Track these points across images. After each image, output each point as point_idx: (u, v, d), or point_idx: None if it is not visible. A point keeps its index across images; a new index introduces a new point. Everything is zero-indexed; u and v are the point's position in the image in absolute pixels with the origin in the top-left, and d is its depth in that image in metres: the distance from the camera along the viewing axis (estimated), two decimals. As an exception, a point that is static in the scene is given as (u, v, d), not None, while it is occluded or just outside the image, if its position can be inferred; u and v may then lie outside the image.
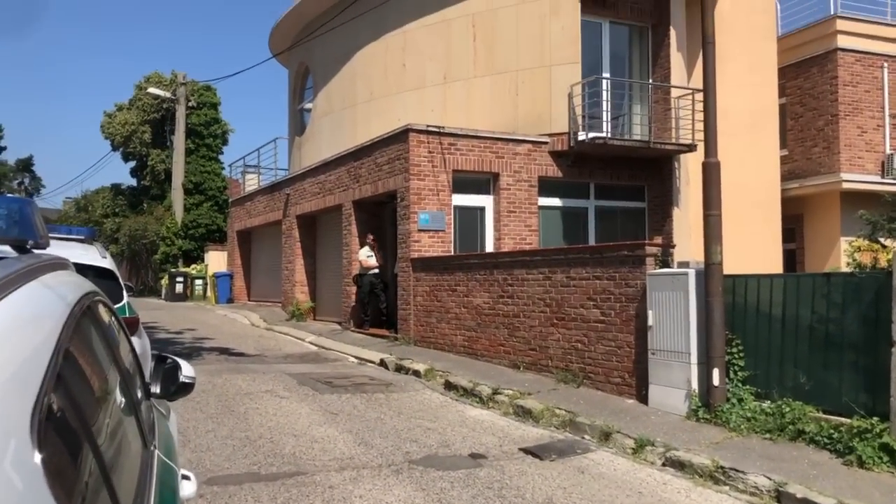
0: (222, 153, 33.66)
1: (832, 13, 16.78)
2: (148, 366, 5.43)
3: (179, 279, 26.75)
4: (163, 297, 28.19)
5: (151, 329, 14.96)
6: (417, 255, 12.70)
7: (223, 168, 32.69)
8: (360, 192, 14.85)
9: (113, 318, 3.10)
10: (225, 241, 27.54)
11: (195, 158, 31.42)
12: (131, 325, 6.18)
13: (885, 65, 16.85)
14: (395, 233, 13.55)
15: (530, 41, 14.08)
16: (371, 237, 14.68)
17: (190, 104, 30.77)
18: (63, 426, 1.38)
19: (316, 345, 13.95)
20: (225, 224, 28.57)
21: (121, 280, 6.61)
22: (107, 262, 6.46)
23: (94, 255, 6.48)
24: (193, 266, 28.19)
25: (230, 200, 25.91)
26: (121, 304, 6.24)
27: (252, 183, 23.55)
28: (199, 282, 26.68)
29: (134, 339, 6.07)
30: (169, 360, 3.18)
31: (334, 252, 16.78)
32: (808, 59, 17.14)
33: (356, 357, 12.21)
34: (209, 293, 25.81)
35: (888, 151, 16.57)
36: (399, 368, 10.74)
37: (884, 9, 17.43)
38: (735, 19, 15.70)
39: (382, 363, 11.27)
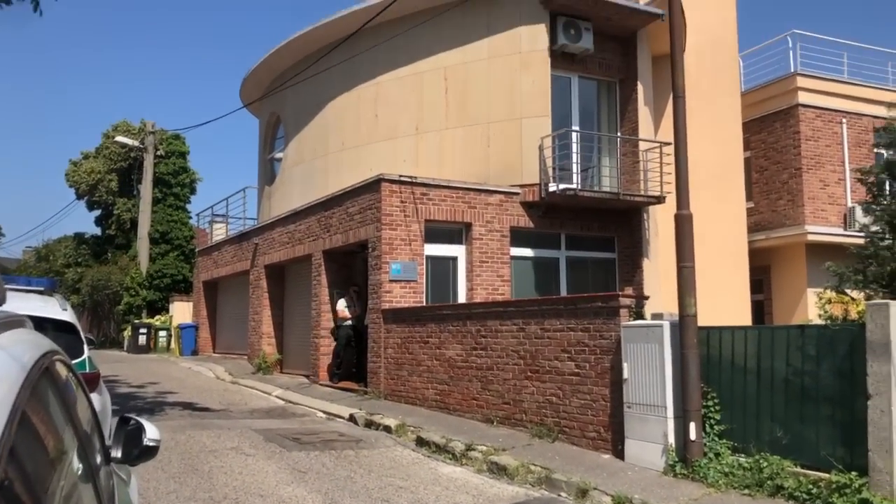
0: (190, 202, 33.36)
1: (792, 70, 17.33)
2: (108, 424, 5.17)
3: (143, 330, 26.11)
4: (125, 349, 27.46)
5: (112, 383, 14.48)
6: (389, 306, 12.53)
7: (190, 217, 32.34)
8: (330, 241, 14.71)
9: (72, 377, 2.91)
10: (191, 291, 27.05)
11: (162, 207, 31.05)
12: (91, 381, 5.93)
13: (844, 120, 17.37)
14: (366, 283, 13.41)
15: (501, 94, 14.27)
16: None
17: (158, 153, 30.55)
18: (14, 501, 1.27)
19: (283, 399, 13.59)
20: (191, 274, 28.11)
21: (81, 333, 6.37)
22: (67, 315, 6.23)
23: (54, 308, 6.25)
24: (158, 317, 27.59)
25: (197, 250, 25.55)
26: (81, 359, 6.00)
27: (220, 233, 23.28)
28: (163, 333, 26.08)
29: (94, 396, 5.81)
30: (132, 422, 2.99)
31: (303, 303, 16.52)
32: (771, 114, 17.62)
33: (324, 412, 11.90)
34: (173, 345, 25.21)
35: (849, 204, 16.95)
36: (369, 424, 10.47)
37: (840, 67, 18.06)
38: (700, 75, 16.12)
39: (352, 418, 10.98)
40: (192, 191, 33.60)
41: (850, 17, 68.91)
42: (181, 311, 26.81)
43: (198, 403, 12.56)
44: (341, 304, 14.37)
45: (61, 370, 2.68)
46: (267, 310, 18.16)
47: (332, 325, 14.79)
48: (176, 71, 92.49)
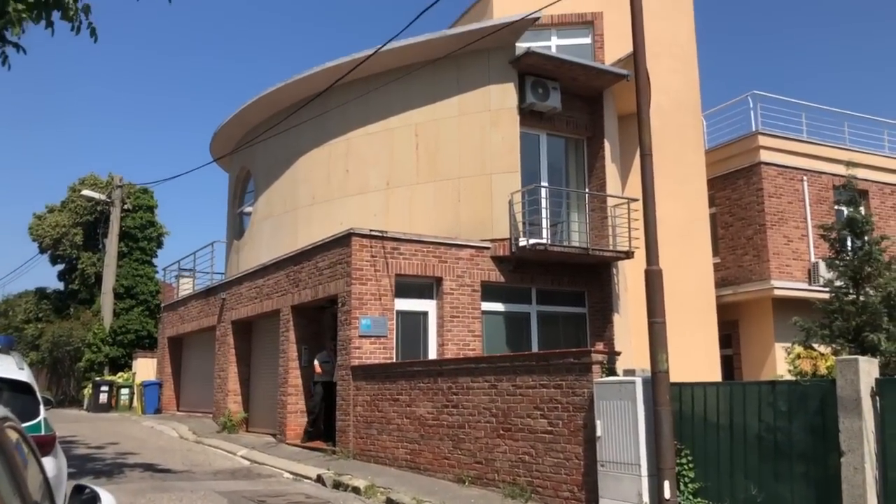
0: (157, 256, 32.85)
1: (754, 129, 17.82)
2: (63, 489, 4.93)
3: (104, 388, 25.34)
4: (85, 407, 26.59)
5: (70, 444, 13.96)
6: (358, 363, 12.33)
7: (157, 272, 31.83)
8: (299, 296, 14.54)
9: (24, 443, 2.77)
10: (155, 347, 26.45)
11: (128, 262, 30.55)
12: (46, 444, 5.67)
13: (805, 178, 17.83)
14: (335, 339, 13.21)
15: (471, 150, 14.42)
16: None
17: (126, 207, 30.20)
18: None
19: (248, 459, 13.19)
20: (156, 330, 27.52)
21: (38, 394, 6.11)
22: (24, 375, 6.00)
23: (10, 367, 6.01)
24: (120, 374, 26.84)
25: (162, 305, 25.09)
26: (36, 421, 5.74)
27: (187, 287, 22.90)
28: (125, 391, 25.35)
29: (48, 460, 5.56)
30: (87, 491, 2.84)
31: (270, 359, 16.21)
32: (735, 171, 18.03)
33: (291, 472, 11.55)
34: (136, 403, 24.49)
35: (813, 259, 17.27)
36: (337, 485, 10.17)
37: (799, 127, 18.62)
38: (665, 134, 16.50)
39: (320, 479, 10.66)
40: (160, 245, 33.16)
41: (806, 79, 71.69)
42: (145, 368, 26.13)
43: (159, 465, 12.12)
44: (317, 360, 14.09)
45: (11, 436, 2.54)
46: (233, 366, 17.77)
47: (299, 381, 14.51)
48: (146, 124, 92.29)
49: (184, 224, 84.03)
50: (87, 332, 29.07)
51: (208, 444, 15.34)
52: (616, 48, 16.53)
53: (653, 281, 7.76)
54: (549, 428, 8.64)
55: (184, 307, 21.87)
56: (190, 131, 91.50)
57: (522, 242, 13.58)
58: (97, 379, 26.34)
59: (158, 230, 32.94)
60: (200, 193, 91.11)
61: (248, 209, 20.08)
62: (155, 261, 32.50)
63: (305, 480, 10.92)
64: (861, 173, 17.44)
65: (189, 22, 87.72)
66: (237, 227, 20.79)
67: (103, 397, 25.18)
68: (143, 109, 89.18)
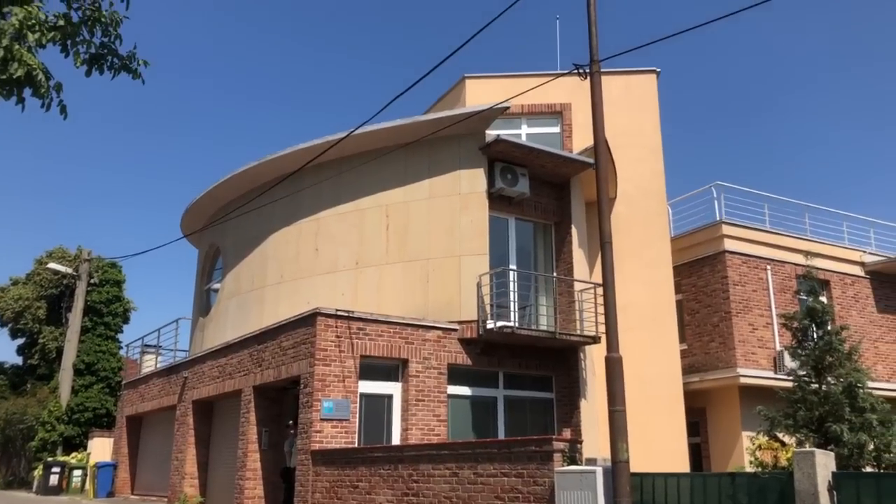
0: (122, 332, 32.11)
1: (718, 219, 18.22)
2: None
3: (55, 469, 24.25)
4: (34, 490, 25.40)
5: (11, 529, 13.25)
6: (319, 447, 11.99)
7: (120, 347, 31.05)
8: (261, 377, 14.25)
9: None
10: (114, 426, 25.59)
11: (91, 337, 29.79)
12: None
13: (769, 267, 18.15)
14: (297, 421, 12.88)
15: (441, 232, 14.54)
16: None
17: (92, 281, 29.72)
18: None
19: (200, 547, 12.60)
20: (115, 408, 26.68)
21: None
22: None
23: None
24: (74, 454, 25.77)
25: (123, 383, 24.42)
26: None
27: (150, 364, 22.37)
28: (77, 472, 24.27)
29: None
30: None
31: (230, 442, 15.73)
32: (700, 259, 18.31)
33: (244, 562, 11.03)
34: (88, 485, 23.45)
35: (778, 348, 17.39)
36: (290, 576, 9.72)
37: (762, 217, 19.09)
38: (631, 221, 16.83)
39: (272, 570, 10.19)
40: (126, 320, 32.45)
41: (767, 172, 74.06)
42: (101, 448, 25.15)
43: (104, 554, 11.52)
44: (287, 445, 13.70)
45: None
46: (192, 448, 17.19)
47: (258, 465, 14.07)
48: (117, 198, 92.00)
49: (152, 299, 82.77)
50: (42, 410, 28.07)
51: (160, 531, 14.66)
52: (584, 137, 17.02)
53: (613, 368, 7.73)
54: (510, 519, 8.39)
55: (144, 385, 21.30)
56: (160, 207, 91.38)
57: (490, 325, 13.54)
58: (49, 459, 25.24)
59: (125, 305, 32.32)
60: (169, 269, 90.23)
61: (215, 286, 19.89)
62: (120, 336, 31.78)
63: (257, 572, 10.43)
64: (822, 264, 17.81)
65: (162, 101, 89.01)
66: (204, 303, 20.52)
67: (54, 479, 24.07)
68: (115, 184, 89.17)
